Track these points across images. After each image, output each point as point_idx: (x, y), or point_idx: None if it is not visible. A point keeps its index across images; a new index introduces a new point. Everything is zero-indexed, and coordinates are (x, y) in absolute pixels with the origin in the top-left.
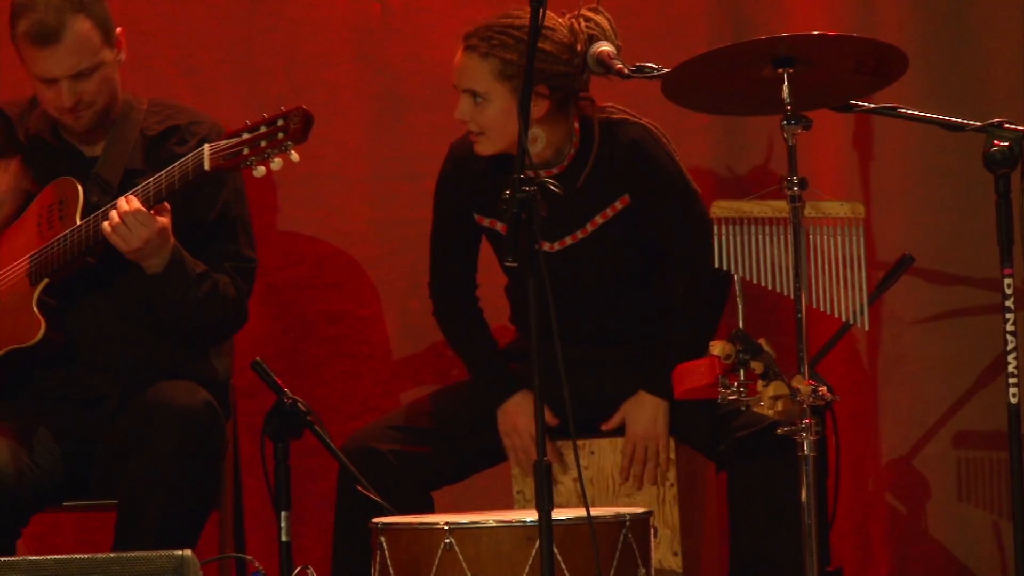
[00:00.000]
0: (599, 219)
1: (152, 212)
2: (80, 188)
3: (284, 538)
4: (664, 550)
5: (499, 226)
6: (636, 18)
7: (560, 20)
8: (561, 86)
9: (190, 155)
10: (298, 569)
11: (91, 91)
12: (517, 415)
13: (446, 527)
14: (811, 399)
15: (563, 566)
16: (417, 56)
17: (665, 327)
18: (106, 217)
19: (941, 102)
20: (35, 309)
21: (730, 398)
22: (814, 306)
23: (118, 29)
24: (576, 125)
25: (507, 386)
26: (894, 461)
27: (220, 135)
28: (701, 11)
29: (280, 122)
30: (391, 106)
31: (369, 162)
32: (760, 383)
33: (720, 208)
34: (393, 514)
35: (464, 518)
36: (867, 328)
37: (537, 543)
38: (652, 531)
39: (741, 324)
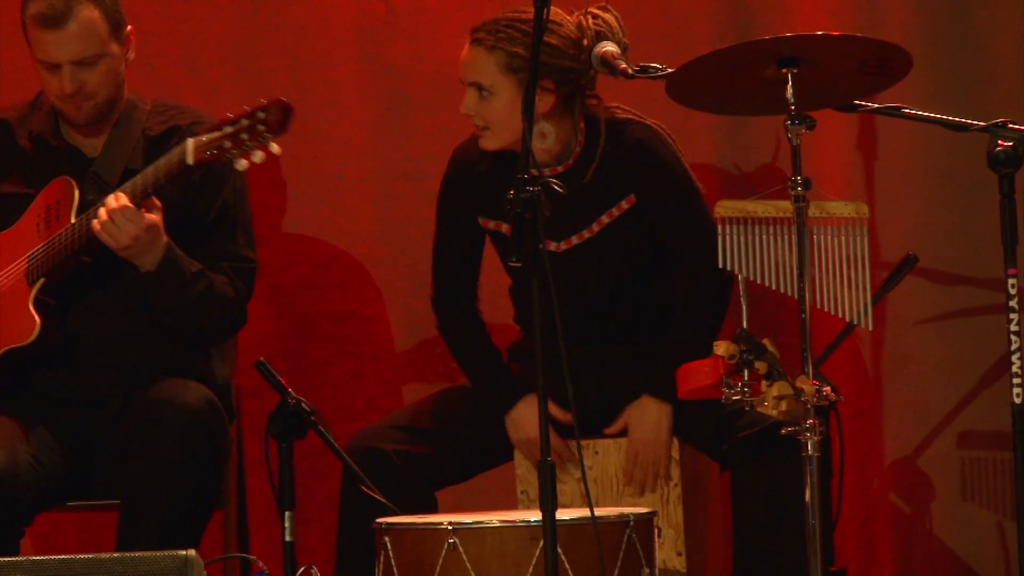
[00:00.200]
0: (605, 219)
1: (143, 210)
2: (76, 187)
3: (288, 538)
4: (668, 550)
5: (504, 228)
6: (640, 18)
7: (568, 16)
8: (567, 81)
9: (175, 150)
10: (302, 569)
11: (93, 81)
12: (527, 425)
13: (450, 527)
14: (815, 399)
15: (567, 566)
16: (422, 56)
17: (669, 328)
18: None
19: (945, 102)
20: (31, 309)
21: (734, 398)
22: (818, 306)
23: (129, 27)
24: (582, 124)
25: (512, 393)
26: (898, 461)
27: None
28: (705, 11)
29: (260, 114)
30: (395, 106)
31: (373, 162)
32: (764, 383)
33: (724, 208)
34: (397, 514)
35: (468, 518)
36: (871, 328)
37: (541, 543)
38: (656, 531)
39: (745, 324)
